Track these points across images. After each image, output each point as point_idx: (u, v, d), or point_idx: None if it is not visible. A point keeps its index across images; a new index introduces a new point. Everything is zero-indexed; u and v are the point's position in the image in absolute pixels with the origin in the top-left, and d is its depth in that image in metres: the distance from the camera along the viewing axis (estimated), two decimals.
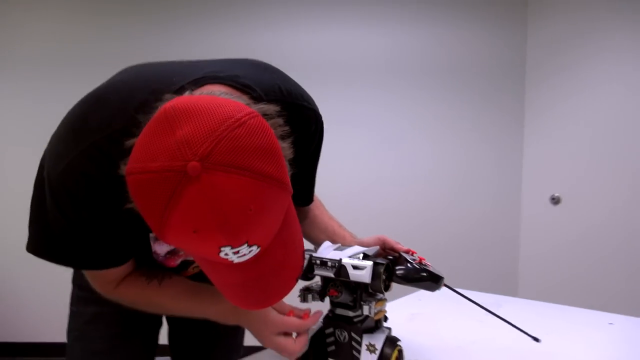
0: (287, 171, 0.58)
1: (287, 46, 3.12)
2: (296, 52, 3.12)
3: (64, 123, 0.73)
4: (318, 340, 0.88)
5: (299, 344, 0.79)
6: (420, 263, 0.84)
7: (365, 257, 0.82)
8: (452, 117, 3.15)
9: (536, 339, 0.88)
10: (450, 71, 3.13)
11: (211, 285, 0.98)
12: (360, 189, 3.13)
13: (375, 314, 0.84)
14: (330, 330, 0.86)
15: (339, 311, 0.85)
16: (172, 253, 0.85)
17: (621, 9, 2.75)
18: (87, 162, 0.67)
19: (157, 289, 0.84)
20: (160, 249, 0.83)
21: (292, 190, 0.58)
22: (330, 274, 0.79)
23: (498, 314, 0.89)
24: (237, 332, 1.15)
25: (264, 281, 0.61)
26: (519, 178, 3.14)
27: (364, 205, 3.10)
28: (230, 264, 0.56)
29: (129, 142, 0.60)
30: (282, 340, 0.78)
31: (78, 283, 0.96)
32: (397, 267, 0.82)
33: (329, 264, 0.79)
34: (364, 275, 0.79)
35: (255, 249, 0.56)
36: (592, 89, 2.87)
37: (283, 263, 0.62)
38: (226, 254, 0.54)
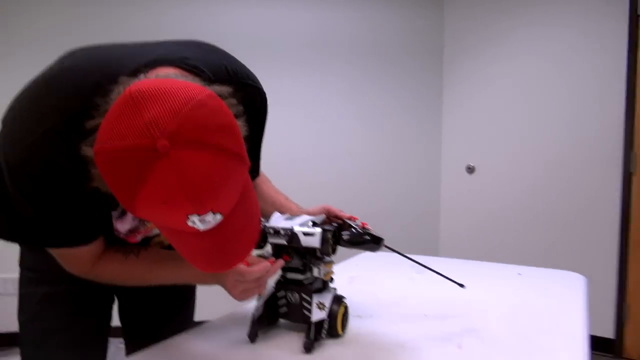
0: (244, 146, 0.64)
1: (208, 23, 3.07)
2: (219, 29, 3.08)
3: (16, 107, 0.72)
4: (271, 303, 0.95)
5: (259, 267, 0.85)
6: (363, 228, 0.93)
7: (314, 224, 0.90)
8: (374, 92, 3.29)
9: (462, 285, 1.01)
10: (371, 48, 3.25)
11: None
12: (287, 164, 3.19)
13: (325, 274, 0.92)
14: (282, 293, 0.94)
15: (290, 275, 0.92)
16: (132, 231, 0.87)
17: None
18: (46, 146, 0.68)
19: (136, 262, 0.86)
20: (122, 226, 0.85)
21: (249, 164, 0.64)
22: (284, 242, 0.86)
23: (425, 268, 1.01)
24: (187, 307, 1.20)
25: (227, 246, 0.66)
26: (439, 149, 3.37)
27: (291, 180, 3.19)
28: (196, 231, 0.62)
29: (90, 124, 0.63)
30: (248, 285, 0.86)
31: (27, 266, 0.95)
32: (343, 233, 0.91)
33: (282, 232, 0.86)
34: (314, 240, 0.87)
35: (218, 217, 0.61)
36: (505, 63, 3.12)
37: (243, 229, 0.68)
38: (193, 222, 0.59)
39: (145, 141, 0.53)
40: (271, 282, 0.94)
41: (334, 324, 0.92)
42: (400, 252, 0.99)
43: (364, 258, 1.67)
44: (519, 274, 1.48)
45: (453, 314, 1.09)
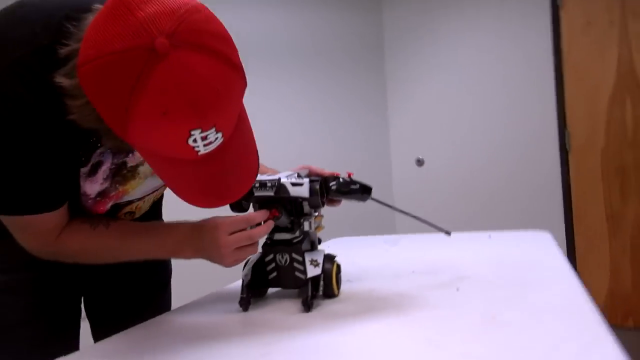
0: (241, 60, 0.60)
1: None
2: None
3: None
4: (259, 269, 0.89)
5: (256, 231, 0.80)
6: (350, 177, 0.90)
7: (299, 177, 0.86)
8: (319, 94, 3.30)
9: (448, 233, 1.00)
10: (313, 50, 3.27)
11: (158, 222, 0.92)
12: None
13: (316, 228, 0.88)
14: (271, 257, 0.89)
15: (278, 236, 0.87)
16: (102, 194, 0.79)
17: None
18: (10, 79, 0.60)
19: (105, 233, 0.78)
20: (91, 187, 0.77)
21: (247, 81, 0.59)
22: (270, 193, 0.82)
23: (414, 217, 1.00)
24: (162, 299, 1.10)
25: (225, 177, 0.62)
26: (387, 145, 3.42)
27: None
28: (194, 158, 0.56)
29: (64, 51, 0.56)
30: (240, 253, 0.79)
31: None
32: (331, 183, 0.88)
33: (269, 184, 0.82)
34: (303, 190, 0.83)
35: (219, 138, 0.57)
36: (444, 58, 3.24)
37: (241, 160, 0.63)
38: (195, 140, 0.54)
39: (141, 40, 0.48)
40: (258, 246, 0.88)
41: (329, 283, 0.87)
42: (388, 204, 0.97)
43: (334, 243, 1.64)
44: (489, 236, 1.50)
45: (441, 267, 1.08)
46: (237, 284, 1.08)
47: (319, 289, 0.86)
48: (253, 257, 0.90)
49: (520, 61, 3.01)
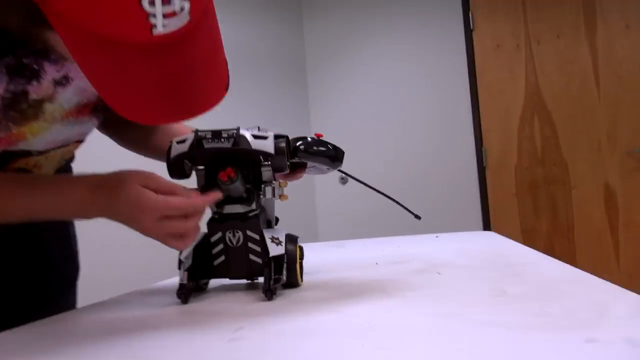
0: None
1: None
2: None
3: None
4: (202, 253, 0.69)
5: (192, 225, 0.58)
6: (319, 138, 0.75)
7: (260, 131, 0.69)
8: (243, 107, 3.13)
9: (417, 217, 0.88)
10: (237, 60, 3.11)
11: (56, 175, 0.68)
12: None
13: (280, 197, 0.71)
14: (218, 235, 0.69)
15: (229, 209, 0.69)
16: None
17: (375, 5, 3.20)
18: None
19: None
20: None
21: None
22: (227, 145, 0.63)
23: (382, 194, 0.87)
24: (62, 298, 0.84)
25: (189, 80, 0.44)
26: None
27: None
28: (148, 37, 0.38)
29: None
30: (168, 223, 0.56)
31: None
32: (298, 142, 0.72)
33: (224, 134, 0.63)
34: (267, 144, 0.66)
35: (186, 12, 0.40)
36: (363, 73, 3.24)
37: (210, 60, 0.46)
38: (152, 3, 0.36)
39: None
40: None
41: (293, 268, 0.70)
42: (358, 178, 0.83)
43: None
44: (437, 236, 1.41)
45: (405, 259, 0.95)
46: (167, 282, 0.87)
47: (282, 274, 0.68)
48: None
49: (438, 78, 3.09)
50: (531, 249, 0.98)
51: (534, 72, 2.92)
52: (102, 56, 0.40)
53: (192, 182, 0.71)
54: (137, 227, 0.56)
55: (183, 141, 0.65)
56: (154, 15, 0.38)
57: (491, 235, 1.37)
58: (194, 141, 0.63)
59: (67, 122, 0.64)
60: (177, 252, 0.65)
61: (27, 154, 0.63)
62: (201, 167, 0.69)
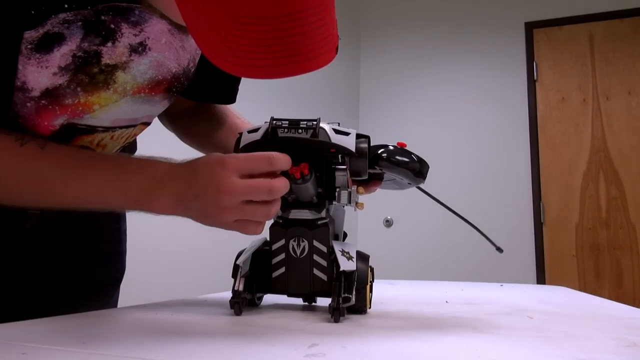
0: None
1: None
2: None
3: None
4: (260, 262, 0.61)
5: (274, 209, 0.52)
6: (402, 147, 0.66)
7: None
8: None
9: (500, 249, 0.77)
10: (296, 97, 3.12)
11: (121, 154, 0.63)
12: None
13: (356, 204, 0.62)
14: (280, 243, 0.61)
15: (295, 214, 0.60)
16: (52, 97, 0.50)
17: (437, 50, 3.17)
18: None
19: (38, 155, 0.49)
20: (37, 76, 0.48)
21: None
22: (305, 136, 0.56)
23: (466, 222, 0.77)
24: (107, 299, 0.76)
25: (304, 24, 0.38)
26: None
27: None
28: None
29: None
30: (251, 207, 0.50)
31: None
32: (379, 150, 0.64)
33: (303, 124, 0.56)
34: (349, 141, 0.58)
35: None
36: (417, 118, 3.17)
37: (326, 6, 0.40)
38: None
39: None
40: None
41: (362, 291, 0.60)
42: (435, 197, 0.74)
43: None
44: (501, 285, 1.28)
45: (478, 302, 0.83)
46: (215, 295, 0.78)
47: (352, 293, 0.58)
48: (254, 241, 0.62)
49: (497, 126, 2.98)
50: (630, 306, 0.84)
51: (601, 128, 2.77)
52: None
53: None
54: (214, 214, 0.49)
55: (255, 130, 0.58)
56: None
57: (564, 290, 1.22)
58: (268, 129, 0.56)
59: (137, 98, 0.59)
60: (226, 265, 0.58)
61: (92, 130, 0.58)
62: None
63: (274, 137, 0.56)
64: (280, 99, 3.08)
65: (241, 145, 0.59)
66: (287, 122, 0.56)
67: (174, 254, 2.57)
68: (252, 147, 0.58)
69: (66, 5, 0.47)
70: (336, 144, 0.56)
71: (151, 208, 0.51)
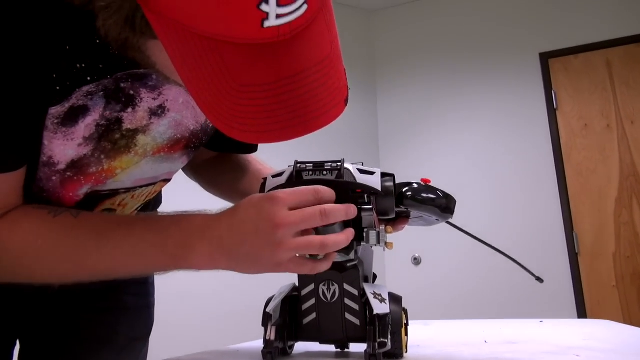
0: None
1: None
2: None
3: None
4: (290, 309, 0.60)
5: (347, 234, 0.51)
6: (427, 184, 0.65)
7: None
8: None
9: (540, 280, 0.74)
10: (316, 136, 3.15)
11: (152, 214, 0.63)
12: None
13: (386, 243, 0.61)
14: (311, 288, 0.60)
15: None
16: (77, 168, 0.52)
17: (453, 86, 3.18)
18: None
19: (72, 223, 0.50)
20: (63, 150, 0.50)
21: None
22: (330, 178, 0.56)
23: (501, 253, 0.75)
24: (137, 355, 0.75)
25: (304, 86, 0.38)
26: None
27: None
28: (258, 34, 0.34)
29: None
30: (305, 238, 0.48)
31: None
32: (404, 188, 0.63)
33: (327, 166, 0.56)
34: (374, 180, 0.57)
35: (303, 8, 0.34)
36: (440, 157, 3.16)
37: (327, 63, 0.40)
38: (267, 3, 0.33)
39: None
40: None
41: (398, 334, 0.58)
42: (468, 231, 0.72)
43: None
44: (541, 321, 1.22)
45: (519, 340, 0.79)
46: (245, 345, 0.77)
47: (388, 337, 0.56)
48: (283, 287, 0.61)
49: (520, 158, 2.94)
50: None
51: (629, 153, 2.70)
52: (205, 60, 0.36)
53: None
54: (268, 254, 0.47)
55: (279, 175, 0.58)
56: (266, 1, 0.33)
57: (608, 323, 1.16)
58: (292, 172, 0.56)
59: (157, 157, 0.61)
60: (254, 313, 0.57)
61: (114, 193, 0.59)
62: None
63: (299, 180, 0.56)
64: (299, 145, 3.11)
65: (266, 190, 0.59)
66: (312, 164, 0.56)
67: (201, 303, 2.55)
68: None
69: (89, 78, 0.48)
70: (362, 183, 0.56)
71: (191, 262, 0.49)
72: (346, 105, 0.43)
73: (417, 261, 3.04)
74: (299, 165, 0.57)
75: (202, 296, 2.55)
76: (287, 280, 0.63)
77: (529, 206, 2.86)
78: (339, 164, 0.56)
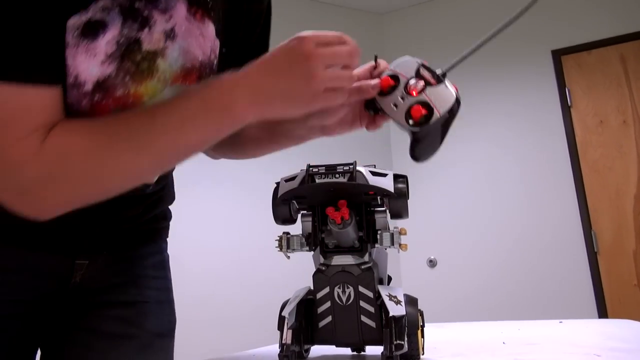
0: None
1: None
2: None
3: None
4: (306, 312, 0.60)
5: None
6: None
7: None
8: None
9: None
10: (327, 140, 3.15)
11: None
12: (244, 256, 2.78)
13: (400, 245, 0.61)
14: (326, 291, 0.60)
15: (338, 260, 0.60)
16: (105, 89, 0.51)
17: (465, 86, 3.15)
18: None
19: (118, 115, 0.52)
20: (87, 65, 0.50)
21: None
22: (342, 180, 0.56)
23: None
24: (163, 352, 0.75)
25: None
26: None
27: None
28: None
29: None
30: (336, 72, 0.52)
31: None
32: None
33: (340, 168, 0.56)
34: (386, 182, 0.57)
35: None
36: (457, 157, 3.13)
37: None
38: None
39: None
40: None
41: (414, 336, 0.58)
42: None
43: None
44: (560, 322, 1.20)
45: (538, 341, 0.78)
46: (261, 350, 0.77)
47: (404, 339, 0.56)
48: (298, 291, 0.61)
49: (536, 157, 2.91)
50: None
51: None
52: None
53: (297, 228, 0.63)
54: (303, 86, 0.50)
55: (292, 179, 0.59)
56: None
57: (630, 323, 1.13)
58: (305, 176, 0.57)
59: (175, 88, 0.59)
60: (269, 317, 0.56)
61: None
62: (308, 212, 0.62)
63: (312, 183, 0.56)
64: (311, 149, 3.11)
65: (279, 194, 0.59)
66: (324, 167, 0.57)
67: (216, 307, 2.56)
68: (291, 194, 0.58)
69: None
70: (374, 185, 0.56)
71: (235, 111, 0.50)
72: None
73: (432, 263, 3.02)
74: (311, 168, 0.57)
75: (218, 300, 2.56)
76: (302, 283, 0.63)
77: (545, 206, 2.83)
78: (351, 166, 0.56)
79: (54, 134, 0.47)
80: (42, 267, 0.64)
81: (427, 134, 0.57)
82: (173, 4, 0.55)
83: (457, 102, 0.57)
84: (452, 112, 0.56)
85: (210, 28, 0.60)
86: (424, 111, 0.55)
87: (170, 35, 0.56)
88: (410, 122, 0.55)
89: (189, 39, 0.58)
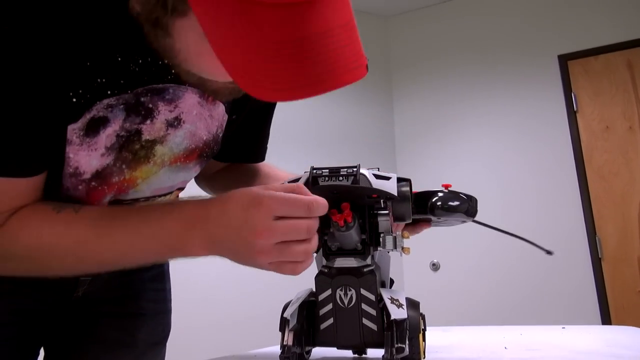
0: None
1: None
2: None
3: None
4: (307, 314, 0.60)
5: (313, 245, 0.50)
6: (450, 190, 0.66)
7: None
8: None
9: (550, 252, 0.74)
10: (333, 139, 3.16)
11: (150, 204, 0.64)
12: None
13: (402, 248, 0.61)
14: (327, 293, 0.60)
15: (340, 262, 0.60)
16: (102, 178, 0.54)
17: (471, 90, 3.16)
18: None
19: (74, 218, 0.52)
20: (88, 160, 0.53)
21: None
22: (346, 183, 0.56)
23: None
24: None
25: (327, 45, 0.40)
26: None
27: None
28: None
29: None
30: (288, 247, 0.48)
31: None
32: (433, 198, 0.63)
33: (343, 171, 0.56)
34: (390, 185, 0.57)
35: None
36: (458, 158, 3.13)
37: (348, 27, 0.42)
38: None
39: None
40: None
41: (415, 339, 0.58)
42: (489, 224, 0.72)
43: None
44: (563, 327, 1.19)
45: (540, 347, 0.78)
46: (262, 350, 0.77)
47: (405, 343, 0.56)
48: (300, 292, 0.61)
49: (540, 161, 2.90)
50: None
51: None
52: (237, 21, 0.38)
53: None
54: (248, 256, 0.48)
55: (296, 180, 0.59)
56: None
57: (634, 330, 1.13)
58: (309, 179, 0.57)
59: (174, 167, 0.63)
60: (271, 318, 0.57)
61: (134, 202, 0.62)
62: None
63: (315, 185, 0.56)
64: (315, 151, 3.12)
65: None
66: (328, 170, 0.57)
67: (218, 308, 2.57)
68: None
69: (109, 92, 0.51)
70: (378, 189, 0.56)
71: (187, 252, 0.51)
72: (367, 71, 0.44)
73: (435, 267, 3.02)
74: (315, 171, 0.57)
75: (219, 302, 2.56)
76: (304, 285, 0.63)
77: (550, 211, 2.82)
78: (355, 169, 0.56)
79: (16, 219, 0.50)
80: (46, 282, 0.66)
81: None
82: (181, 94, 0.56)
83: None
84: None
85: (220, 108, 0.63)
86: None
87: (173, 123, 0.58)
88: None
89: (198, 122, 0.61)
